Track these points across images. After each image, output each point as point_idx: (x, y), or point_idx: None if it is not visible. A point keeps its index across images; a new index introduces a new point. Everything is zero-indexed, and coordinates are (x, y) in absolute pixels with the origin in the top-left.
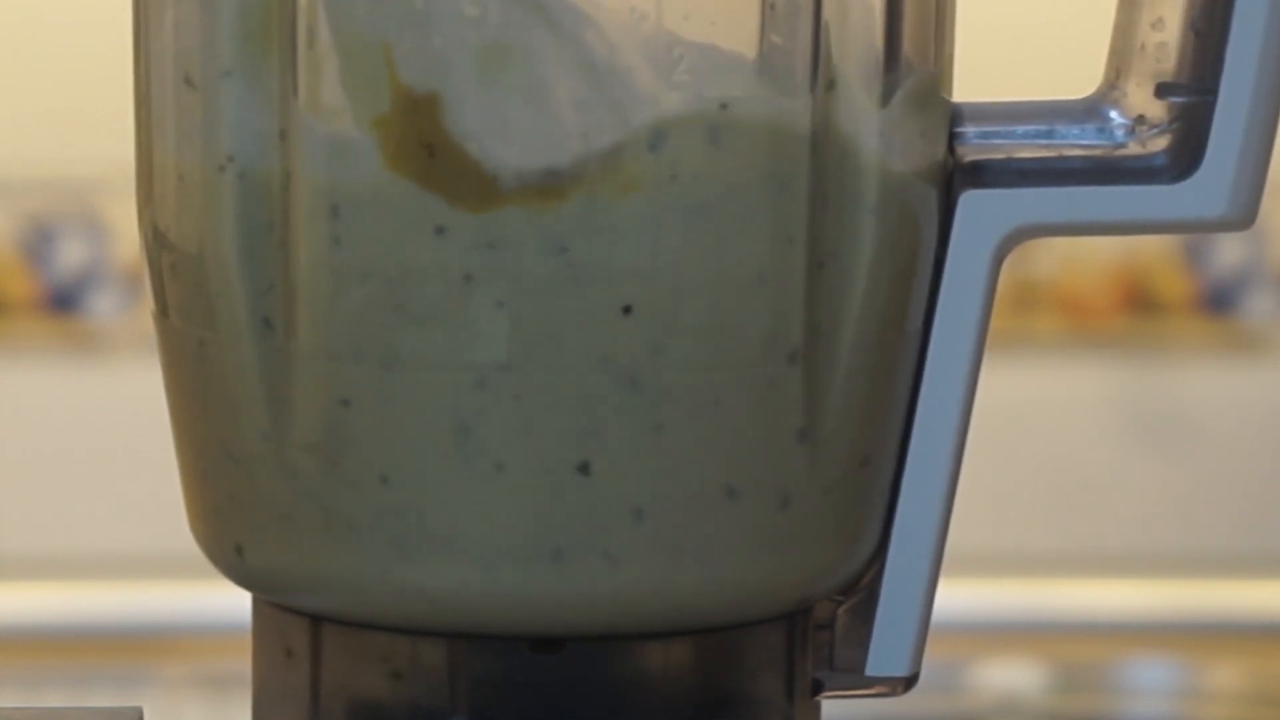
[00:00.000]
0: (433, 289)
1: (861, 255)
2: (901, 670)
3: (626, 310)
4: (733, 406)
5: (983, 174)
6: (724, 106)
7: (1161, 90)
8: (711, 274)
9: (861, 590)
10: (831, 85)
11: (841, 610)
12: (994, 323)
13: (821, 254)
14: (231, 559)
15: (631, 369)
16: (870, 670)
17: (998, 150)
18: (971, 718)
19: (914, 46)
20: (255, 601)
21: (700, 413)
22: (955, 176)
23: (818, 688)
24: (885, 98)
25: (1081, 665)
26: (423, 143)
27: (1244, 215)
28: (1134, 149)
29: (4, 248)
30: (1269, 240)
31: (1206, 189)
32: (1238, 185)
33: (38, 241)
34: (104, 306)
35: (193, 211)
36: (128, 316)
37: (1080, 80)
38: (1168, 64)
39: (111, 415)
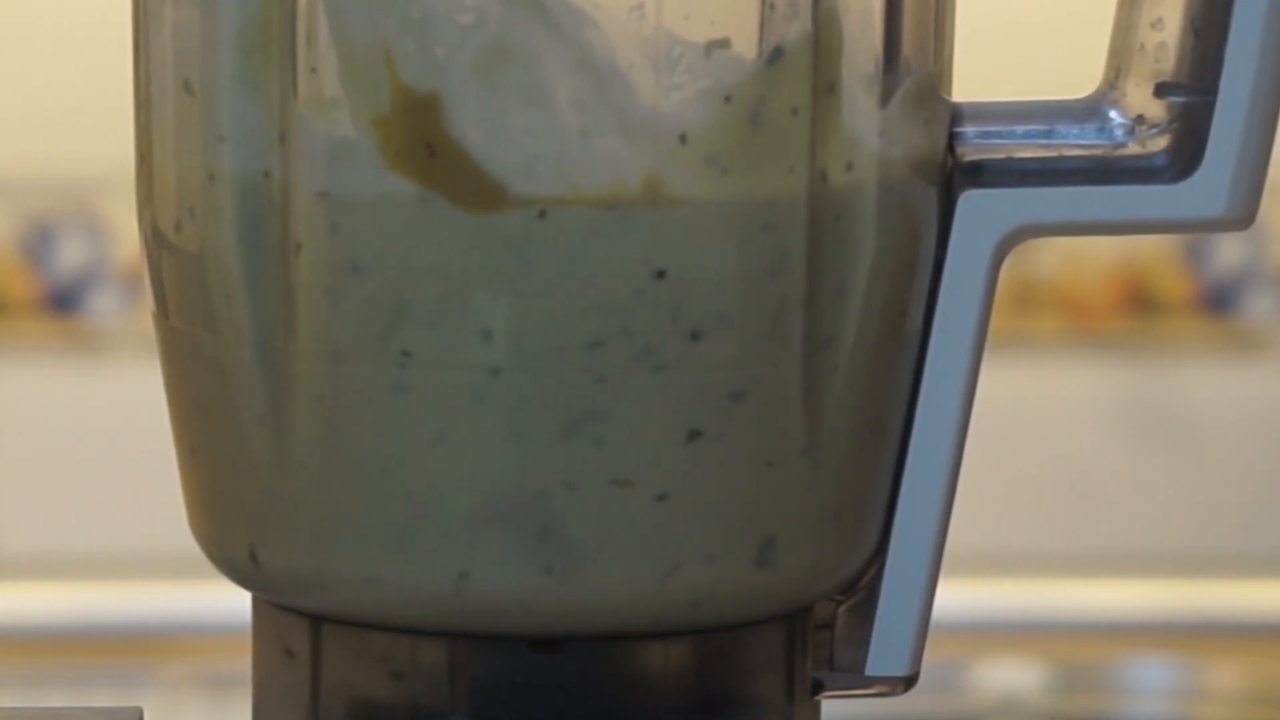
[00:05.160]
0: (433, 289)
1: (861, 256)
2: (901, 670)
3: (625, 311)
4: (730, 408)
5: (983, 174)
6: (723, 107)
7: (1161, 90)
8: (708, 275)
9: (861, 590)
10: (831, 86)
11: (841, 610)
12: (994, 323)
13: (820, 255)
14: (232, 560)
15: (629, 369)
16: (870, 670)
17: (998, 150)
18: (971, 718)
19: (914, 46)
20: (255, 601)
21: (697, 415)
22: (955, 176)
23: (818, 688)
24: (885, 98)
25: (1081, 665)
26: (423, 143)
27: (1244, 215)
28: (1134, 149)
29: (4, 248)
30: (1269, 240)
31: (1206, 189)
32: (1237, 185)
33: (38, 241)
34: (104, 306)
35: (193, 212)
36: (128, 316)
37: (1080, 80)
38: (1168, 64)
39: (111, 415)
